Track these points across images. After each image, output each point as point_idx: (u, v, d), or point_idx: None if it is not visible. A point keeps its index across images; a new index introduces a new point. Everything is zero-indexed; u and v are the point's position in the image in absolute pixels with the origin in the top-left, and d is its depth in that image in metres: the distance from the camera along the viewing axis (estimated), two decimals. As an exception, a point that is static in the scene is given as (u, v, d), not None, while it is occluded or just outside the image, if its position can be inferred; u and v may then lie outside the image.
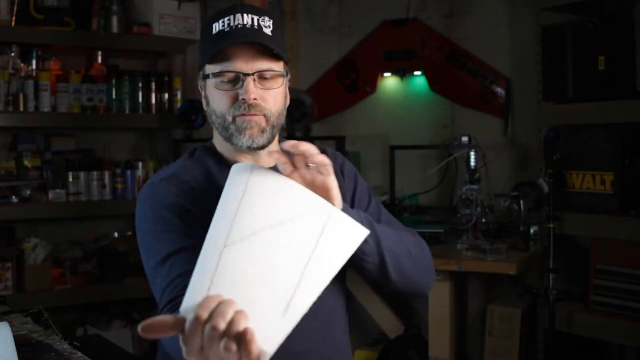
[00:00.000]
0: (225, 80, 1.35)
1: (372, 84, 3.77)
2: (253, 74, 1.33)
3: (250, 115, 1.34)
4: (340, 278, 1.49)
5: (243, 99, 1.33)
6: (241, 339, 0.89)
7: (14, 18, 3.18)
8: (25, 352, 1.43)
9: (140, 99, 3.54)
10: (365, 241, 1.23)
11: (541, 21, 2.99)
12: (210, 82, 1.37)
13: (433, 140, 3.56)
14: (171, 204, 1.34)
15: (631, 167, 2.64)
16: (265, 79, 1.35)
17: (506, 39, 3.41)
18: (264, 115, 1.35)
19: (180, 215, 1.33)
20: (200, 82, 1.43)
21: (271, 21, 1.37)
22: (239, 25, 1.33)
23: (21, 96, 3.20)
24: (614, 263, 2.69)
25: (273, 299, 0.97)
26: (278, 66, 1.37)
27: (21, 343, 1.49)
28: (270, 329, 0.93)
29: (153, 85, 3.59)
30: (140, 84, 3.54)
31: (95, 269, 3.43)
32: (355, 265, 1.30)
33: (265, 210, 1.11)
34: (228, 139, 1.37)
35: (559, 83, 2.86)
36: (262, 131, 1.36)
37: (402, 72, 3.65)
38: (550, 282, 2.72)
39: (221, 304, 0.91)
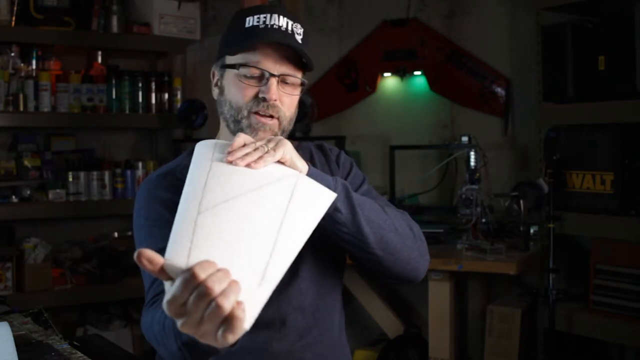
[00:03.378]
0: (250, 75, 1.36)
1: (372, 84, 3.77)
2: (279, 75, 1.35)
3: (266, 117, 1.35)
4: (338, 276, 1.49)
5: (264, 98, 1.34)
6: (231, 313, 0.87)
7: (14, 18, 3.18)
8: (25, 352, 1.44)
9: (140, 99, 3.55)
10: (339, 210, 1.25)
11: (541, 21, 2.99)
12: (233, 73, 1.37)
13: (433, 140, 3.56)
14: (164, 200, 1.35)
15: (631, 167, 2.64)
16: (287, 83, 1.37)
17: (506, 39, 3.40)
18: (278, 119, 1.37)
19: (173, 211, 1.34)
20: (216, 69, 1.43)
21: (302, 30, 1.39)
22: (275, 26, 1.35)
23: (21, 96, 3.20)
24: (614, 263, 2.69)
25: (249, 268, 0.97)
26: (300, 74, 1.39)
27: (21, 343, 1.50)
28: (248, 299, 0.91)
29: (153, 85, 3.59)
30: (140, 84, 3.54)
31: (95, 269, 3.43)
32: (333, 235, 1.29)
33: (234, 180, 1.12)
34: (235, 132, 1.37)
35: (559, 83, 2.86)
36: (274, 135, 1.36)
37: (402, 72, 3.65)
38: (550, 282, 2.72)
39: (220, 271, 0.89)
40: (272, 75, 1.34)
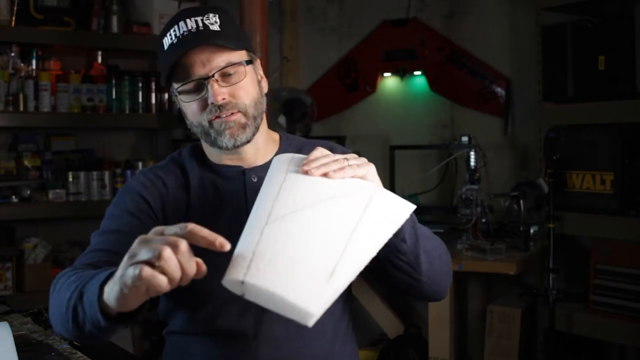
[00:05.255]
0: (191, 90, 1.33)
1: (372, 84, 3.77)
2: (213, 75, 1.31)
3: (225, 117, 1.33)
4: None
5: (212, 103, 1.31)
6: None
7: (14, 18, 3.18)
8: (25, 352, 1.43)
9: (140, 99, 3.54)
10: (404, 240, 1.24)
11: (541, 21, 2.99)
12: (180, 98, 1.36)
13: (433, 140, 3.56)
14: (134, 193, 1.39)
15: (631, 167, 2.64)
16: (229, 75, 1.33)
17: (506, 39, 3.40)
18: (240, 112, 1.34)
19: (138, 204, 1.38)
20: (174, 99, 1.42)
21: (217, 16, 1.34)
22: (185, 33, 1.31)
23: (21, 96, 3.19)
24: (614, 263, 2.69)
25: (316, 264, 0.97)
26: (238, 56, 1.34)
27: (21, 343, 1.49)
28: (315, 290, 0.93)
29: (153, 85, 3.59)
30: (140, 84, 3.54)
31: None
32: (387, 262, 1.27)
33: (307, 191, 1.11)
34: (212, 143, 1.37)
35: (559, 83, 2.86)
36: (244, 127, 1.35)
37: (402, 72, 3.65)
38: (550, 282, 2.72)
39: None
40: (207, 78, 1.31)
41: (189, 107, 1.36)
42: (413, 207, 1.18)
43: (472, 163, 3.01)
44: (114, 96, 3.48)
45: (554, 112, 2.94)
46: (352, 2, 3.87)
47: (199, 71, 1.31)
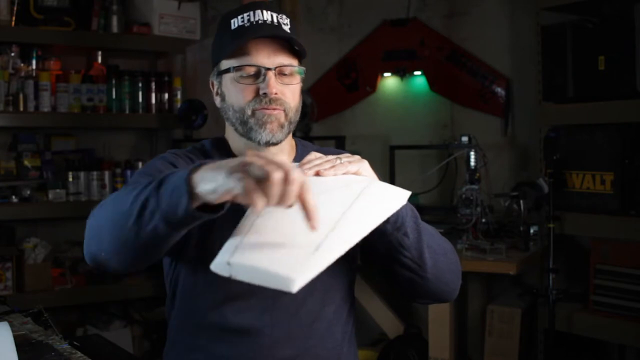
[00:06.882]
0: (246, 74, 1.36)
1: (372, 84, 3.77)
2: (275, 68, 1.35)
3: (270, 109, 1.35)
4: (344, 285, 1.46)
5: (264, 93, 1.35)
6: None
7: (14, 18, 3.18)
8: (25, 352, 1.43)
9: (140, 99, 3.55)
10: (407, 235, 1.27)
11: (541, 21, 2.99)
12: (229, 77, 1.38)
13: (433, 140, 3.56)
14: (166, 160, 1.38)
15: (631, 167, 2.64)
16: (285, 74, 1.37)
17: (506, 39, 3.40)
18: (284, 110, 1.37)
19: (170, 169, 1.35)
20: (213, 78, 1.43)
21: (288, 19, 1.39)
22: (260, 21, 1.35)
23: (21, 96, 3.20)
24: (614, 263, 2.69)
25: (301, 242, 1.00)
26: (297, 62, 1.40)
27: (21, 343, 1.49)
28: (300, 261, 0.96)
29: (153, 85, 3.59)
30: (140, 84, 3.54)
31: (95, 269, 3.43)
32: (394, 259, 1.30)
33: None
34: (245, 134, 1.38)
35: (559, 83, 2.86)
36: (282, 126, 1.37)
37: (402, 72, 3.65)
38: (550, 282, 2.72)
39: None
40: (268, 69, 1.34)
41: (238, 89, 1.37)
42: (408, 193, 1.20)
43: (472, 163, 3.00)
44: (114, 96, 3.48)
45: (554, 112, 2.94)
46: (352, 2, 3.87)
47: (263, 60, 1.35)
